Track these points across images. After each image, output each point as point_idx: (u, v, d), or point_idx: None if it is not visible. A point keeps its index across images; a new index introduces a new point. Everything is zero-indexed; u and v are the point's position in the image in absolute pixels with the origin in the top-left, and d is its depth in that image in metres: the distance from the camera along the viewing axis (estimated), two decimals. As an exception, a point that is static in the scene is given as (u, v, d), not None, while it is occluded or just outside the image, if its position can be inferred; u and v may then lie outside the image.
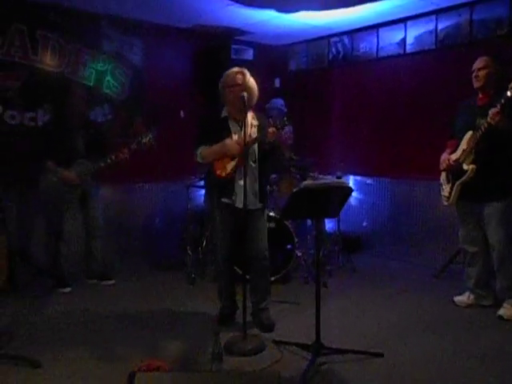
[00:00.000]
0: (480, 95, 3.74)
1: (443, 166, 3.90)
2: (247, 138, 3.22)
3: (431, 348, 3.19)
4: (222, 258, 3.58)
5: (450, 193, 3.79)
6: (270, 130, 3.29)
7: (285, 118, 3.35)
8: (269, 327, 3.48)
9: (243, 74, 3.38)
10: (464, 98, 3.93)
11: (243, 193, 3.16)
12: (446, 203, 3.89)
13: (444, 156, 3.92)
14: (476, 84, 3.71)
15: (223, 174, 3.38)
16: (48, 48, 4.92)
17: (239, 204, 3.36)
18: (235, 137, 3.40)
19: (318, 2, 4.75)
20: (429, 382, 2.78)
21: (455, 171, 3.76)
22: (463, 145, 3.70)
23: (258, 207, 3.45)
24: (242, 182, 3.26)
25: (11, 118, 4.76)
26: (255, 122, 3.44)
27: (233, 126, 3.45)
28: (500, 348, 3.17)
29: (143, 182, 5.53)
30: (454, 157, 3.79)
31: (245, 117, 3.20)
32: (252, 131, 3.38)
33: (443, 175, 3.94)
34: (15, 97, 4.76)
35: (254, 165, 3.41)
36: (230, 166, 3.38)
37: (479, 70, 3.68)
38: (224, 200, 3.44)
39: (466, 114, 3.80)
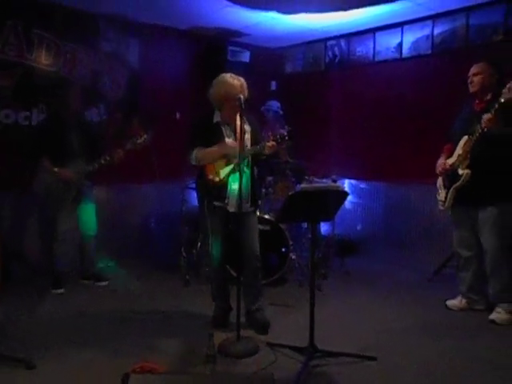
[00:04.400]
0: (476, 101, 3.76)
1: (439, 170, 3.92)
2: (241, 144, 3.23)
3: (424, 352, 3.20)
4: (214, 260, 3.58)
5: (446, 197, 3.81)
6: (270, 143, 3.33)
7: (286, 137, 3.33)
8: (264, 326, 3.48)
9: (244, 85, 3.37)
10: (459, 103, 3.95)
11: (237, 197, 3.18)
12: (441, 208, 3.91)
13: (440, 160, 3.94)
14: (471, 89, 3.73)
15: (216, 179, 3.40)
16: (43, 47, 4.90)
17: (231, 208, 3.40)
18: (229, 141, 3.42)
19: (317, 4, 4.77)
20: (422, 385, 2.80)
21: (451, 176, 3.79)
22: (459, 150, 3.73)
23: (249, 210, 3.48)
24: (235, 186, 3.29)
25: (6, 117, 4.73)
26: (248, 128, 3.45)
27: (226, 130, 3.46)
28: (494, 352, 3.19)
29: (138, 182, 5.52)
30: (449, 161, 3.82)
31: (242, 120, 3.21)
32: (246, 137, 3.40)
33: (439, 180, 3.96)
34: (10, 96, 4.73)
35: (246, 170, 3.43)
36: (224, 171, 3.40)
37: (474, 75, 3.70)
38: (216, 203, 3.45)
39: (464, 118, 3.81)
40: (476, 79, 3.68)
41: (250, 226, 3.50)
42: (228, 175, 3.39)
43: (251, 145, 3.44)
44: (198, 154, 3.43)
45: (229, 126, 3.48)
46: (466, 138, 3.66)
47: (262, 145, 3.37)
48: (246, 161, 3.41)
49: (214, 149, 3.39)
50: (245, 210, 3.37)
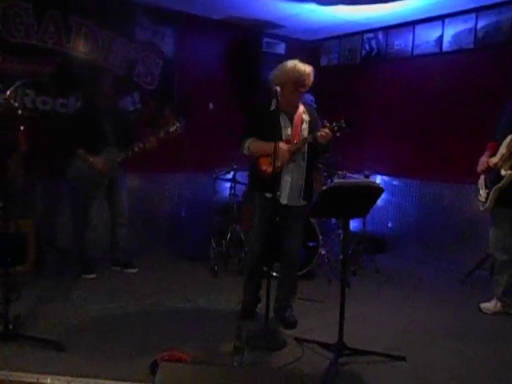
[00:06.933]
0: None
1: (480, 168, 3.79)
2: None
3: (455, 354, 3.12)
4: (253, 251, 3.51)
5: (487, 198, 3.69)
6: (321, 132, 3.18)
7: (344, 125, 3.16)
8: (292, 324, 3.46)
9: (312, 73, 3.29)
10: (502, 101, 3.81)
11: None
12: (481, 208, 3.79)
13: (483, 158, 3.80)
14: None
15: (269, 170, 3.28)
16: (81, 35, 4.96)
17: (283, 200, 3.33)
18: (287, 131, 3.31)
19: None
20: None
21: (493, 176, 3.66)
22: (502, 149, 3.60)
23: (300, 204, 3.39)
24: (288, 179, 3.23)
25: (43, 104, 4.81)
26: (306, 117, 3.38)
27: (284, 120, 3.34)
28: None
29: (170, 172, 5.55)
30: (493, 160, 3.68)
31: (280, 114, 3.13)
32: (303, 127, 3.34)
33: (481, 179, 3.83)
34: (48, 83, 4.80)
35: (302, 163, 3.35)
36: (277, 163, 3.31)
37: None
38: (267, 195, 3.36)
39: (510, 115, 3.66)
40: None
41: (298, 222, 3.44)
42: (282, 167, 3.29)
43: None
44: (250, 146, 3.38)
45: (286, 115, 3.35)
46: (510, 136, 3.52)
47: (312, 135, 3.25)
48: (302, 153, 3.33)
49: (267, 146, 3.25)
50: (295, 204, 3.34)
